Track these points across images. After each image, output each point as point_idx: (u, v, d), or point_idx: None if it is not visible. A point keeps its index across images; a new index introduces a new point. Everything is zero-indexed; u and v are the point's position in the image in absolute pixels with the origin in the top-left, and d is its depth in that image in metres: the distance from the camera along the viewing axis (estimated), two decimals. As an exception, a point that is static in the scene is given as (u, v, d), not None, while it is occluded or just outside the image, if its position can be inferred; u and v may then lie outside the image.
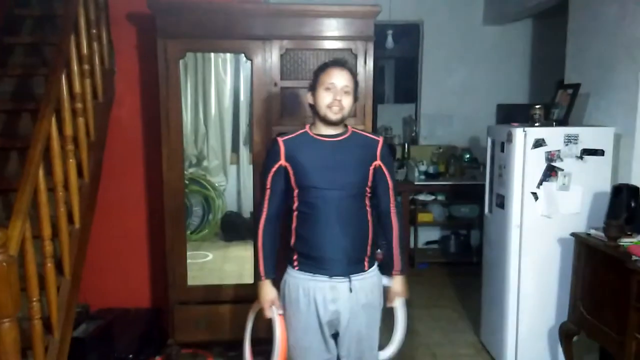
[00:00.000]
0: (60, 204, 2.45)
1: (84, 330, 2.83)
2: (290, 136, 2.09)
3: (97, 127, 3.02)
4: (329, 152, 2.04)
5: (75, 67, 2.74)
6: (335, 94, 2.00)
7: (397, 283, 2.18)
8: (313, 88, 2.06)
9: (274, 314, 2.06)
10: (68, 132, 2.61)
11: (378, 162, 2.11)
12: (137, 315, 3.45)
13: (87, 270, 2.92)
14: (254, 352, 2.32)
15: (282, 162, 2.05)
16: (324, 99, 2.01)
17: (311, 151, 2.04)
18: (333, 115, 2.01)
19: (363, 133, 2.17)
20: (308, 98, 2.09)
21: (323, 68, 2.05)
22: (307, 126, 2.11)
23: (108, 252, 3.50)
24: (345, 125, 2.11)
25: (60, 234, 2.46)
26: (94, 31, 3.07)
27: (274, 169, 2.06)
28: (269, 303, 2.07)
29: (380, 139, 2.15)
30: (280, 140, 2.08)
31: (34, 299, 2.15)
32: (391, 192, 2.15)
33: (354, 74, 2.08)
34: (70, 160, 2.61)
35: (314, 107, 2.07)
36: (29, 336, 2.16)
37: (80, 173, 2.78)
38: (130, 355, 3.05)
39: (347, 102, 2.02)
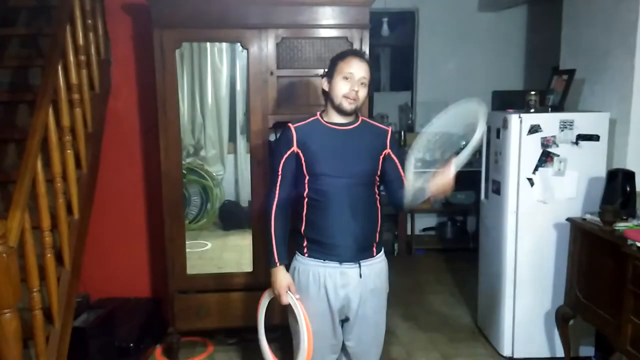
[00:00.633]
0: (59, 194, 2.45)
1: (84, 319, 2.84)
2: (301, 123, 2.10)
3: (95, 118, 3.01)
4: (341, 141, 2.06)
5: (71, 58, 2.74)
6: (353, 85, 2.00)
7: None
8: (330, 75, 2.06)
9: (292, 299, 2.05)
10: (65, 123, 2.61)
11: (388, 151, 2.14)
12: (137, 305, 3.47)
13: (87, 260, 2.94)
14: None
15: (295, 148, 2.05)
16: (341, 88, 2.02)
17: (323, 139, 2.06)
18: (348, 106, 2.02)
19: (372, 122, 2.18)
20: (322, 84, 2.09)
21: (342, 56, 2.05)
22: (318, 113, 2.12)
23: (107, 242, 3.52)
24: (357, 114, 2.13)
25: (60, 225, 2.47)
26: (90, 22, 3.06)
27: (286, 155, 2.06)
28: (285, 288, 2.05)
29: (390, 129, 2.18)
30: (292, 126, 2.08)
31: (35, 290, 2.17)
32: (405, 179, 2.16)
33: (371, 66, 2.08)
34: (68, 151, 2.61)
35: (328, 94, 2.07)
36: (30, 326, 2.17)
37: (78, 164, 2.78)
38: (131, 344, 3.07)
39: (362, 93, 2.03)
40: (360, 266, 2.07)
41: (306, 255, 2.09)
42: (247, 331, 3.35)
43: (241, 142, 3.70)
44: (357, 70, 2.01)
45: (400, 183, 2.15)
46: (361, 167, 2.07)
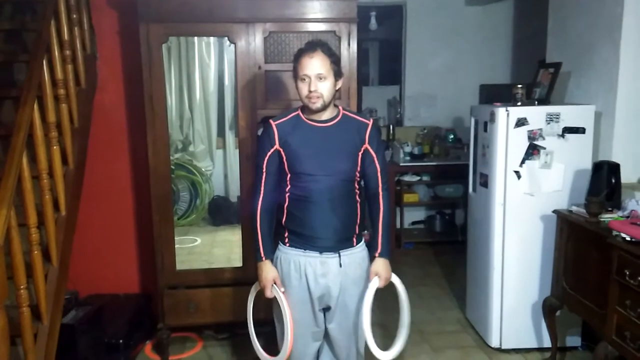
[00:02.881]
0: (45, 191, 2.44)
1: (73, 316, 2.83)
2: (283, 119, 2.10)
3: (81, 114, 3.00)
4: (321, 139, 2.06)
5: (56, 53, 2.72)
6: (310, 85, 1.99)
7: (376, 264, 2.15)
8: (294, 77, 2.06)
9: (277, 292, 2.08)
10: (51, 119, 2.59)
11: (366, 146, 2.13)
12: (126, 301, 3.47)
13: (76, 257, 2.92)
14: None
15: (277, 146, 2.07)
16: (301, 90, 2.02)
17: (303, 137, 2.06)
18: (313, 105, 2.02)
19: (353, 116, 2.16)
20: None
21: (296, 57, 2.04)
22: (300, 109, 2.12)
23: (96, 238, 3.50)
24: (336, 106, 2.12)
25: (47, 222, 2.45)
26: (75, 16, 3.03)
27: (269, 153, 2.07)
28: (270, 282, 2.09)
29: (370, 122, 2.16)
30: (273, 124, 2.09)
31: (22, 287, 2.16)
32: (379, 175, 2.17)
33: (329, 53, 2.03)
34: (54, 147, 2.59)
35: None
36: (17, 324, 2.17)
37: (64, 160, 2.76)
38: (121, 341, 3.07)
39: (324, 88, 2.00)
40: (340, 256, 2.10)
41: (287, 244, 2.13)
42: (238, 326, 3.35)
43: (230, 137, 3.69)
44: (310, 69, 1.98)
45: (374, 178, 2.16)
46: (341, 165, 2.08)
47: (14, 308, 2.19)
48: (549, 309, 3.01)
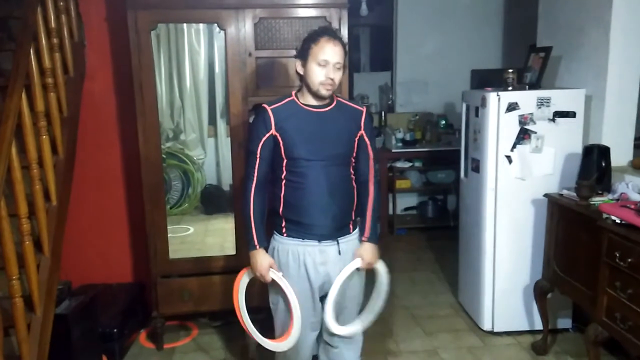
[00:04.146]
0: (35, 181, 2.41)
1: (66, 306, 2.81)
2: (278, 104, 2.07)
3: (70, 102, 2.96)
4: (317, 124, 2.05)
5: (43, 41, 2.68)
6: (328, 72, 1.98)
7: (362, 247, 2.16)
8: (303, 57, 2.02)
9: (277, 276, 2.07)
10: (40, 108, 2.56)
11: (362, 132, 2.14)
12: (120, 290, 3.46)
13: (68, 247, 2.91)
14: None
15: (273, 131, 2.04)
16: (317, 75, 1.99)
17: (300, 122, 2.04)
18: (325, 92, 2.01)
19: (347, 102, 2.18)
20: (296, 66, 2.06)
21: (316, 39, 2.00)
22: (293, 93, 2.10)
23: (88, 228, 3.49)
24: (332, 94, 2.12)
25: (37, 212, 2.43)
26: (62, 3, 2.99)
27: (264, 138, 2.04)
28: (268, 269, 2.07)
29: (364, 109, 2.17)
30: (268, 108, 2.05)
31: (14, 277, 2.15)
32: (371, 162, 2.19)
33: (344, 45, 2.04)
34: (44, 136, 2.57)
35: (303, 78, 2.05)
36: (10, 315, 2.16)
37: (54, 149, 2.73)
38: (115, 330, 3.07)
39: (338, 77, 2.02)
40: (338, 243, 2.11)
41: (285, 235, 2.11)
42: (232, 313, 3.34)
43: (221, 125, 3.66)
44: (331, 56, 1.97)
45: (366, 164, 2.18)
46: (338, 150, 2.08)
47: (7, 299, 2.18)
48: (540, 292, 3.04)
